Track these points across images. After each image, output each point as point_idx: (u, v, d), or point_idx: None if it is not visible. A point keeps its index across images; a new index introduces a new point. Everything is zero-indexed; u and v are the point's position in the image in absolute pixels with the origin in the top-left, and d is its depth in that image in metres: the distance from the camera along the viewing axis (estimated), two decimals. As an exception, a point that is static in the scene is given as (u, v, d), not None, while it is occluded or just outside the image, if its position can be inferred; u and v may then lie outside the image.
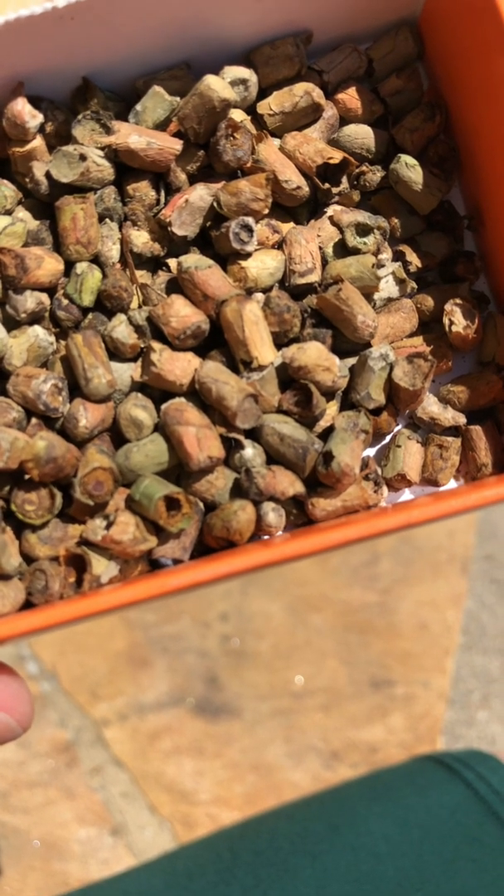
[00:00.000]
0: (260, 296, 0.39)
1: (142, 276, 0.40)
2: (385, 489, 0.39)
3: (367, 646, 0.92)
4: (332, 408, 0.39)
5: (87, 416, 0.37)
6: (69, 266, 0.39)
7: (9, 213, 0.39)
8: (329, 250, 0.40)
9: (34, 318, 0.38)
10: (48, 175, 0.39)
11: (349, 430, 0.37)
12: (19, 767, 0.88)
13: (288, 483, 0.37)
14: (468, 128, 0.40)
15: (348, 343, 0.39)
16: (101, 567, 0.36)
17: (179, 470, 0.38)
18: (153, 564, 0.37)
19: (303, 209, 0.41)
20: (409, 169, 0.40)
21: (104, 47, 0.38)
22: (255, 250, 0.39)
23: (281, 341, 0.38)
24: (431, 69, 0.42)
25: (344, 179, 0.40)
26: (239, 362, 0.38)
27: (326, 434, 0.38)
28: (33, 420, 0.37)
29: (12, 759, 0.88)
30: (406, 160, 0.40)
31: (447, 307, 0.40)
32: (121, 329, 0.38)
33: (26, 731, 0.35)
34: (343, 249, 0.40)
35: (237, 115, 0.40)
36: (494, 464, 0.40)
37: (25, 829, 0.87)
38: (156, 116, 0.39)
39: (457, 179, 0.42)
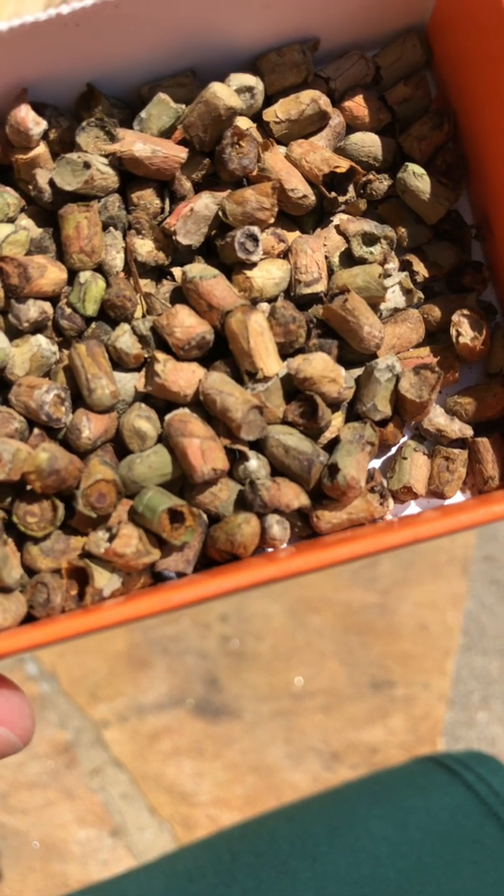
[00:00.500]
0: (265, 306, 0.38)
1: (146, 285, 0.39)
2: (391, 501, 0.39)
3: (367, 647, 0.92)
4: (337, 419, 0.38)
5: (91, 427, 0.37)
6: (72, 275, 0.38)
7: (12, 220, 0.39)
8: (335, 260, 0.40)
9: (37, 328, 0.38)
10: (52, 183, 0.38)
11: (355, 441, 0.37)
12: (19, 769, 0.88)
13: (293, 495, 0.37)
14: (476, 136, 0.40)
15: (354, 354, 0.39)
16: (104, 580, 0.36)
17: (183, 482, 0.37)
18: (156, 577, 0.37)
19: (309, 218, 0.40)
20: (417, 178, 0.40)
21: (109, 54, 0.37)
22: (261, 260, 0.38)
23: (286, 352, 0.38)
24: (440, 77, 0.41)
25: (350, 188, 0.40)
26: (244, 373, 0.37)
27: (332, 446, 0.38)
28: (35, 431, 0.37)
29: (12, 761, 0.88)
30: (413, 169, 0.40)
31: (454, 318, 0.39)
32: (124, 339, 0.38)
33: (27, 745, 0.34)
34: (349, 259, 0.40)
35: (243, 122, 0.39)
36: (502, 476, 0.40)
37: (25, 830, 0.86)
38: (161, 124, 0.39)
39: (465, 188, 0.41)
